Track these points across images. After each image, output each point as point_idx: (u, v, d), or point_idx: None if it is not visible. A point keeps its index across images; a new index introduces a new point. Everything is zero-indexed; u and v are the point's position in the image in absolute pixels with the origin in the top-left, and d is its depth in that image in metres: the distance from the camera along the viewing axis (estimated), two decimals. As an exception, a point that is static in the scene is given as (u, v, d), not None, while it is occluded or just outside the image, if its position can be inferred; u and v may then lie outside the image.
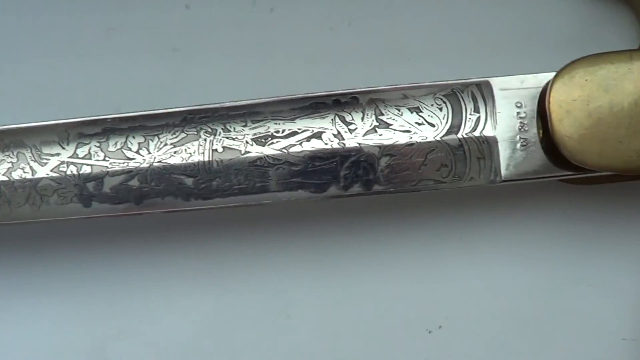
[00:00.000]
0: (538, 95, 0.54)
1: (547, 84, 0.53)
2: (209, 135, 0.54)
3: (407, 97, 0.54)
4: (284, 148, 0.54)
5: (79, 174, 0.53)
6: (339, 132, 0.54)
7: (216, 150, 0.53)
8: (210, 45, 0.57)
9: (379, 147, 0.54)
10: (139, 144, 0.53)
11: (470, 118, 0.54)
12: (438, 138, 0.54)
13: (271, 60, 0.57)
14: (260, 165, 0.53)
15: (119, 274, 0.58)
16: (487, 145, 0.54)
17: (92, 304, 0.57)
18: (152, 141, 0.53)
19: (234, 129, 0.54)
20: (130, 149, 0.53)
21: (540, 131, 0.54)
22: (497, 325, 0.58)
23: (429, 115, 0.54)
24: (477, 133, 0.54)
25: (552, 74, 0.54)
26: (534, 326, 0.58)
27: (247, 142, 0.54)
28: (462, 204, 0.58)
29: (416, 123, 0.54)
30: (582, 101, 0.53)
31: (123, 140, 0.53)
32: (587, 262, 0.58)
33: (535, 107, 0.54)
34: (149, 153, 0.53)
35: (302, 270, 0.57)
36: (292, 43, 0.57)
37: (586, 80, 0.54)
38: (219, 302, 0.57)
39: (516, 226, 0.58)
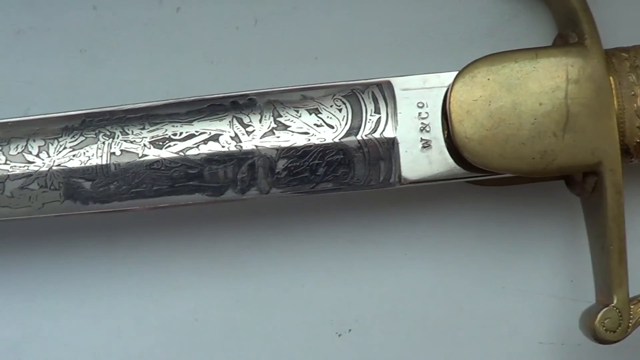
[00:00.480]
0: (442, 95, 0.53)
1: (451, 86, 0.52)
2: (107, 139, 0.53)
3: (305, 98, 0.53)
4: (181, 151, 0.53)
5: None
6: (236, 135, 0.53)
7: (114, 153, 0.53)
8: (117, 46, 0.56)
9: (277, 149, 0.53)
10: (39, 147, 0.54)
11: (370, 119, 0.53)
12: (336, 140, 0.53)
13: (177, 61, 0.56)
14: (158, 168, 0.53)
15: (34, 275, 0.58)
16: (388, 147, 0.53)
17: (5, 305, 0.57)
18: (52, 145, 0.54)
19: (132, 132, 0.53)
20: (30, 153, 0.54)
21: (445, 132, 0.53)
22: (409, 328, 0.57)
23: (328, 117, 0.53)
24: (377, 135, 0.53)
25: (455, 73, 0.52)
26: (447, 330, 0.57)
27: (144, 145, 0.53)
28: (370, 205, 0.57)
29: (315, 125, 0.53)
30: (483, 101, 0.52)
31: (24, 143, 0.54)
32: (501, 265, 0.57)
33: (439, 107, 0.53)
34: (49, 157, 0.53)
35: (209, 274, 0.57)
36: (198, 43, 0.56)
37: (488, 79, 0.52)
38: (130, 305, 0.57)
39: (426, 228, 0.57)
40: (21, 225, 0.57)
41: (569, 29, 0.54)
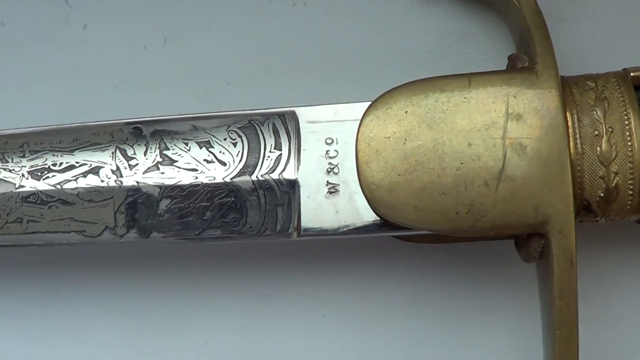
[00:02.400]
0: (356, 130, 0.43)
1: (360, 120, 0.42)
2: (-14, 166, 0.48)
3: (197, 129, 0.45)
4: (59, 184, 0.46)
5: None
6: (118, 168, 0.46)
7: (-9, 182, 0.48)
8: (21, 65, 0.51)
9: (160, 187, 0.45)
10: None
11: (269, 156, 0.44)
12: (228, 179, 0.44)
13: (81, 82, 0.50)
14: (34, 201, 0.47)
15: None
16: (288, 191, 0.44)
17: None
18: None
19: (12, 159, 0.48)
20: None
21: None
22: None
23: (220, 152, 0.45)
24: (275, 175, 0.44)
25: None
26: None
27: (22, 175, 0.47)
28: (287, 254, 0.48)
29: (205, 160, 0.45)
30: (397, 139, 0.41)
31: None
32: (437, 335, 0.46)
33: (352, 144, 0.43)
34: None
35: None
36: (103, 63, 0.50)
37: (406, 112, 0.42)
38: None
39: (350, 287, 0.47)
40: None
41: (522, 50, 0.43)
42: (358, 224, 0.43)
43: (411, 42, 0.47)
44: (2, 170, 0.47)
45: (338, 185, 0.43)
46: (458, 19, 0.46)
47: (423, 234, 0.44)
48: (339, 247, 0.47)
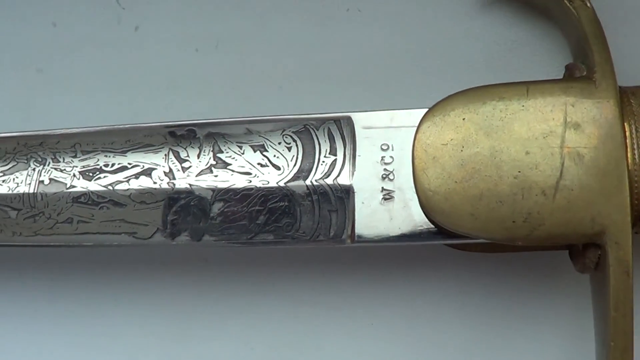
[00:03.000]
0: (412, 137, 0.43)
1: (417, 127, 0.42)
2: (38, 165, 0.48)
3: (251, 132, 0.46)
4: (110, 185, 0.47)
5: None
6: (170, 170, 0.46)
7: (42, 182, 0.48)
8: (74, 66, 0.51)
9: (213, 190, 0.45)
10: None
11: (324, 161, 0.44)
12: (282, 184, 0.45)
13: (133, 84, 0.50)
14: (84, 202, 0.47)
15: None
16: (342, 197, 0.44)
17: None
18: None
19: (64, 159, 0.48)
20: None
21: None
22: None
23: (274, 156, 0.45)
24: (330, 180, 0.44)
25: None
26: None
27: (74, 176, 0.47)
28: (336, 260, 0.48)
29: (258, 164, 0.45)
30: (454, 146, 0.42)
31: None
32: (488, 347, 0.46)
33: (408, 151, 0.43)
34: None
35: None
36: (155, 65, 0.50)
37: (463, 119, 0.42)
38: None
39: (398, 296, 0.47)
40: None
41: (580, 59, 0.43)
42: (412, 232, 0.43)
43: (465, 50, 0.47)
44: (53, 170, 0.48)
45: (393, 191, 0.43)
46: (513, 27, 0.46)
47: (477, 243, 0.44)
48: (387, 254, 0.47)
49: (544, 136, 0.41)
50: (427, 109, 0.43)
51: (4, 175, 0.48)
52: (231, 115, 0.47)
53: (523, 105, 0.41)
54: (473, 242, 0.44)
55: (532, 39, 0.46)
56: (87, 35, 0.51)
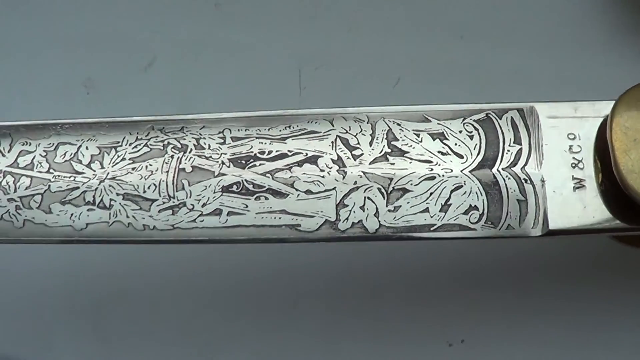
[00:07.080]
0: (597, 128, 0.43)
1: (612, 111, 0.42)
2: (177, 152, 0.43)
3: (428, 119, 0.43)
4: (269, 172, 0.42)
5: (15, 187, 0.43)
6: (339, 158, 0.42)
7: (184, 169, 0.42)
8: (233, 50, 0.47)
9: (389, 179, 0.42)
10: (92, 156, 0.43)
11: (509, 150, 0.43)
12: (467, 172, 0.42)
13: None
14: (237, 191, 0.42)
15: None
16: (530, 186, 0.42)
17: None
18: (108, 154, 0.43)
19: (209, 146, 0.43)
20: (80, 162, 0.43)
21: (600, 174, 0.42)
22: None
23: (455, 144, 0.43)
24: (517, 169, 0.42)
25: (613, 102, 0.42)
26: None
27: (222, 163, 0.43)
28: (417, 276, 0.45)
29: (439, 152, 0.43)
30: (654, 130, 0.41)
31: (74, 150, 0.43)
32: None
33: (592, 142, 0.43)
34: (102, 168, 0.43)
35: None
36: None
37: (660, 105, 0.42)
38: None
39: (488, 311, 0.44)
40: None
41: None
42: (606, 220, 0.42)
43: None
44: (196, 157, 0.43)
45: (584, 180, 0.42)
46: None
47: (659, 237, 0.43)
48: (483, 271, 0.45)
49: None
50: (609, 101, 0.43)
51: (134, 162, 0.43)
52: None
53: None
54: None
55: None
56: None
